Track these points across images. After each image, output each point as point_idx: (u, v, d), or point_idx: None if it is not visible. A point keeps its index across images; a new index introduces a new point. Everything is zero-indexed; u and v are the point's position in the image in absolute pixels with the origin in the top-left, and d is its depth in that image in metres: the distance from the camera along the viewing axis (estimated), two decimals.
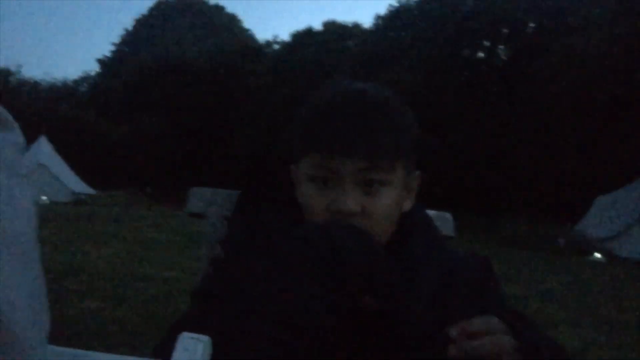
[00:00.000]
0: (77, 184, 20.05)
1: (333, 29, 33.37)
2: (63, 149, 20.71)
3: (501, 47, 26.17)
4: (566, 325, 5.24)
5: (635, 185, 12.73)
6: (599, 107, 18.45)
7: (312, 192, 0.80)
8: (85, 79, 51.53)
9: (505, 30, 25.27)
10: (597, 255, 10.81)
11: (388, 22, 29.95)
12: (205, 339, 0.48)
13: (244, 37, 54.97)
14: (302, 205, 0.83)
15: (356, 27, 34.11)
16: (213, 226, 0.97)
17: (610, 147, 17.88)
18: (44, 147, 19.03)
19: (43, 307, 0.53)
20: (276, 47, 36.38)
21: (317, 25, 35.27)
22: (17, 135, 0.64)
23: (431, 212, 1.03)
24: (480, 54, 26.26)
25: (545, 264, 9.28)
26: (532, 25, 25.43)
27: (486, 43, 25.85)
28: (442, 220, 1.05)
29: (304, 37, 32.80)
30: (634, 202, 12.03)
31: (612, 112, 18.13)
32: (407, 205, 0.87)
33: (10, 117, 0.64)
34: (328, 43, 30.56)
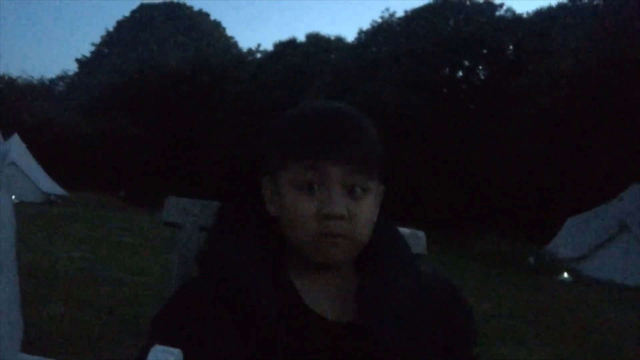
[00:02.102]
0: (48, 185, 19.66)
1: (316, 41, 33.57)
2: (36, 148, 20.33)
3: (480, 67, 26.65)
4: (534, 343, 5.31)
5: (605, 208, 13.02)
6: (573, 129, 18.88)
7: (298, 198, 0.81)
8: (62, 78, 50.83)
9: (484, 51, 25.76)
10: (565, 275, 11.00)
11: (370, 37, 30.29)
12: (176, 352, 0.48)
13: (227, 45, 54.90)
14: (286, 214, 0.83)
15: (339, 40, 34.39)
16: (188, 237, 0.96)
17: (583, 169, 18.27)
18: (16, 146, 18.66)
19: (19, 315, 0.52)
20: (258, 55, 36.43)
21: (301, 37, 35.46)
22: None
23: (404, 230, 1.04)
24: (460, 73, 26.69)
25: (515, 282, 9.39)
26: (510, 47, 25.97)
27: (466, 62, 26.30)
28: (415, 238, 1.06)
29: (286, 47, 32.91)
30: (603, 224, 12.29)
31: (586, 134, 18.56)
32: (375, 216, 0.89)
33: None
34: (310, 55, 30.71)
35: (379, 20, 30.16)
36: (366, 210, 0.84)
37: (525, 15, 27.37)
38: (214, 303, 0.79)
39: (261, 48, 37.91)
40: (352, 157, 0.81)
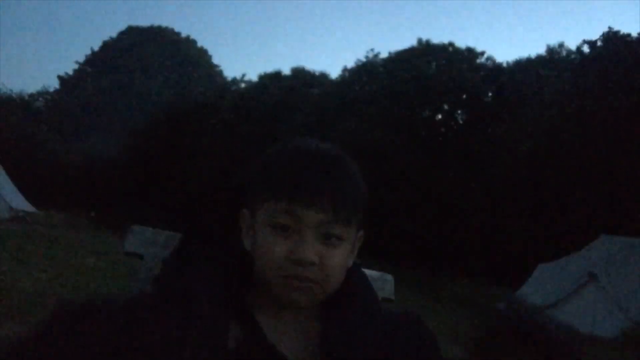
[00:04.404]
0: (17, 200, 19.21)
1: (300, 75, 33.95)
2: (9, 163, 19.96)
3: (459, 111, 27.20)
4: None
5: (575, 257, 13.19)
6: (548, 179, 19.27)
7: (271, 238, 0.80)
8: (42, 94, 50.26)
9: (464, 96, 26.35)
10: None
11: (354, 75, 30.73)
12: None
13: (212, 73, 55.21)
14: (258, 251, 0.82)
15: (323, 76, 34.83)
16: (149, 269, 0.93)
17: (556, 217, 18.58)
18: None
19: None
20: (243, 85, 36.67)
21: (286, 70, 35.88)
22: None
23: (373, 273, 1.03)
24: (439, 116, 27.19)
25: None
26: (489, 94, 26.62)
27: (445, 106, 26.84)
28: (383, 281, 1.05)
29: (271, 79, 33.20)
30: (572, 273, 12.43)
31: (560, 184, 18.95)
32: (350, 261, 0.88)
33: None
34: (294, 88, 31.01)
35: (364, 59, 30.71)
36: (340, 259, 0.82)
37: (505, 65, 28.16)
38: (166, 330, 0.77)
39: (246, 78, 38.14)
40: (329, 205, 0.79)
